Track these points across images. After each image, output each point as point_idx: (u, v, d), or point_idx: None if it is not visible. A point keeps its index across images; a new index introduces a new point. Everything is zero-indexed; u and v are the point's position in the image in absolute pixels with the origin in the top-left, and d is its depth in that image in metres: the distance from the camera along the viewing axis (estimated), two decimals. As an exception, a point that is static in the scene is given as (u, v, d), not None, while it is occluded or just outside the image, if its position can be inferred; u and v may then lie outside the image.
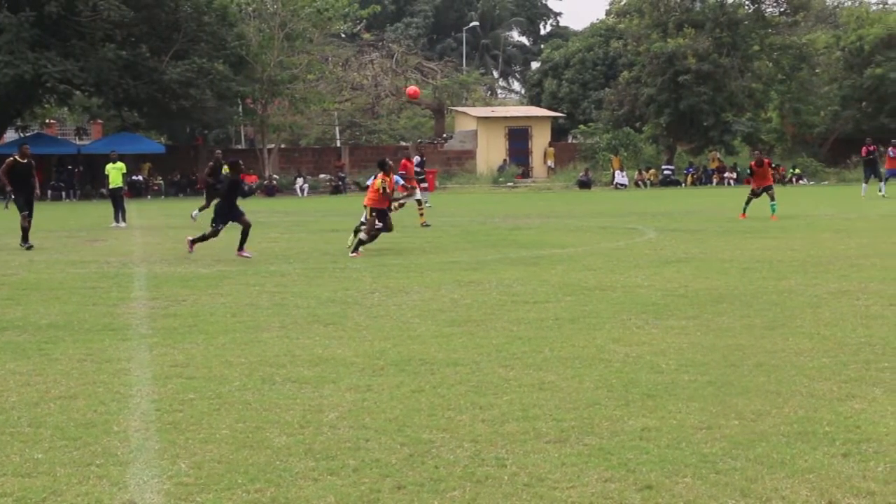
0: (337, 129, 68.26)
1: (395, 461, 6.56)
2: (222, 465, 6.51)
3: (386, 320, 12.03)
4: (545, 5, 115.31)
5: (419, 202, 28.32)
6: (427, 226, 27.02)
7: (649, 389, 8.33)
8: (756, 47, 60.59)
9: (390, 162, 21.04)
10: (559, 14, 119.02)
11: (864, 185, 39.46)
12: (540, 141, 64.90)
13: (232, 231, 20.06)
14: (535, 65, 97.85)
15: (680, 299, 13.30)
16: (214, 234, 19.93)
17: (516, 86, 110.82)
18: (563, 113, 71.39)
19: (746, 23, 60.49)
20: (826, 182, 56.40)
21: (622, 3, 66.66)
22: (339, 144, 65.67)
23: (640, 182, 57.34)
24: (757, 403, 7.83)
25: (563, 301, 13.31)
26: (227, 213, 19.83)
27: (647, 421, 7.39)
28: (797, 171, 58.26)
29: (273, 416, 7.72)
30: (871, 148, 39.17)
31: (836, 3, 71.61)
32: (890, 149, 40.09)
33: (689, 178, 58.77)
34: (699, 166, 60.45)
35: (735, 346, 10.06)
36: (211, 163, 30.70)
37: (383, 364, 9.49)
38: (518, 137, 64.31)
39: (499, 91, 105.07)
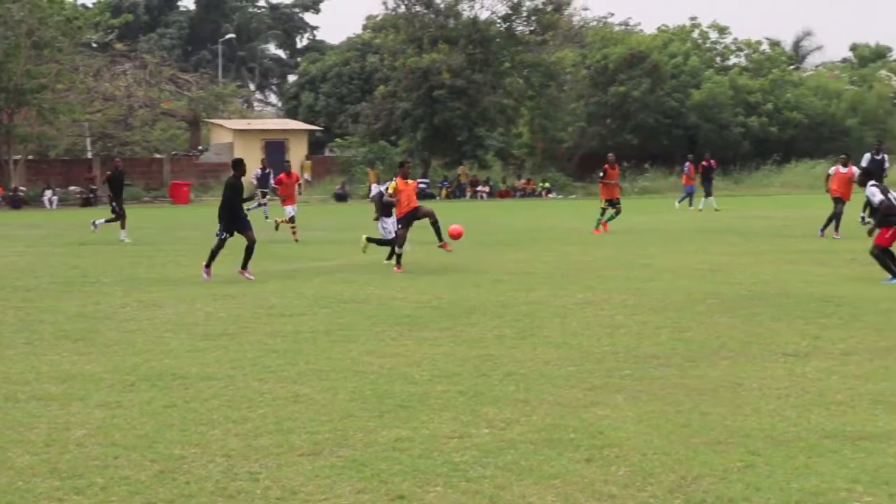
0: (88, 140, 66.25)
1: (145, 478, 6.45)
2: (-39, 489, 6.27)
3: (138, 335, 11.80)
4: (301, 19, 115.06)
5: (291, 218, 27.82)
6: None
7: (403, 400, 8.45)
8: (507, 64, 62.01)
9: (409, 160, 20.73)
10: (316, 28, 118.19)
11: (703, 199, 40.25)
12: (297, 154, 64.61)
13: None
14: (291, 78, 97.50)
15: (433, 311, 13.52)
16: (220, 246, 17.78)
17: (273, 99, 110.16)
18: (320, 126, 71.33)
19: (498, 40, 61.87)
20: (574, 196, 58.15)
21: (378, 18, 67.13)
22: (90, 156, 63.76)
23: (396, 195, 57.87)
24: (506, 412, 8.05)
25: (318, 314, 13.35)
26: (230, 222, 17.75)
27: (401, 431, 7.50)
28: (547, 184, 59.90)
29: (16, 435, 7.47)
30: (706, 163, 39.80)
31: (582, 24, 73.94)
32: (686, 164, 41.45)
33: (444, 192, 59.67)
34: (453, 180, 61.48)
35: (486, 356, 10.30)
36: (108, 172, 29.03)
37: (134, 379, 9.30)
38: (275, 150, 63.91)
39: (255, 104, 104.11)
